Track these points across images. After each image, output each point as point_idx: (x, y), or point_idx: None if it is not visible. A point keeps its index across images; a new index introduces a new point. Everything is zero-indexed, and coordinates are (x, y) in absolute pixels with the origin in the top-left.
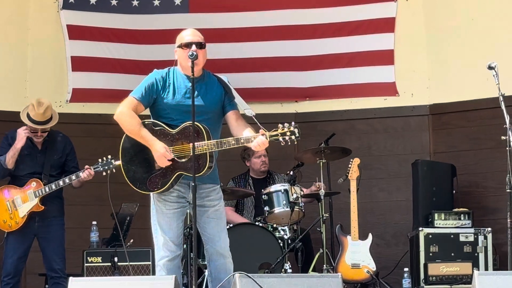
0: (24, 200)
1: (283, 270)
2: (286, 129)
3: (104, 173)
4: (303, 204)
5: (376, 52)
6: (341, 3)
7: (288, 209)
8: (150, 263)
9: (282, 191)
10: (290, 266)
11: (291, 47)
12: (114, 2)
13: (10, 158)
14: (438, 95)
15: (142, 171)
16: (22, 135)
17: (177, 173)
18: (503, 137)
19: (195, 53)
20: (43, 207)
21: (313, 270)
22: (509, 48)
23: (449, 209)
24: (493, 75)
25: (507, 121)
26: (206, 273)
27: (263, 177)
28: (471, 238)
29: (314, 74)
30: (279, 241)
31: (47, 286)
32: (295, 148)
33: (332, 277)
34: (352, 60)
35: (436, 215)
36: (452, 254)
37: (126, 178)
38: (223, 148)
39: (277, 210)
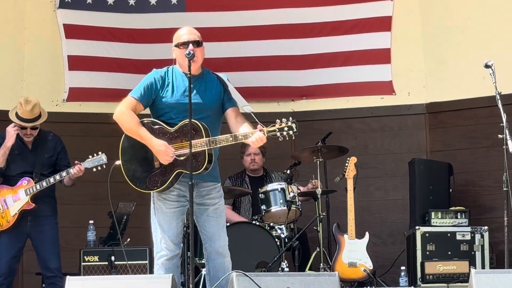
0: (15, 199)
1: (280, 269)
2: (284, 124)
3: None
4: (300, 203)
5: (373, 50)
6: (338, 2)
7: (285, 207)
8: (147, 262)
9: (279, 189)
10: (287, 265)
11: (288, 46)
12: (110, 1)
13: (0, 157)
14: (434, 93)
15: (141, 170)
16: (11, 133)
17: (176, 171)
18: (500, 136)
19: (192, 52)
20: (33, 204)
21: (310, 269)
22: (505, 46)
23: (446, 207)
24: (490, 74)
25: (504, 119)
26: (204, 271)
27: (259, 176)
28: (468, 237)
29: (311, 73)
30: (276, 240)
31: (43, 285)
32: (292, 146)
33: (329, 276)
34: (348, 58)
35: (432, 213)
36: (449, 252)
37: (126, 177)
38: (221, 145)
39: (274, 208)
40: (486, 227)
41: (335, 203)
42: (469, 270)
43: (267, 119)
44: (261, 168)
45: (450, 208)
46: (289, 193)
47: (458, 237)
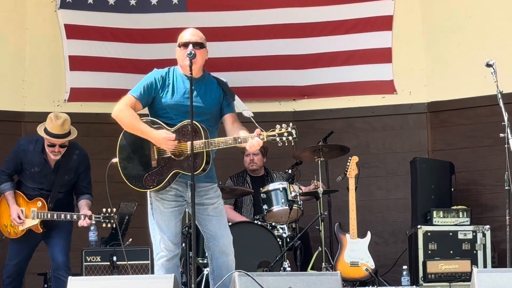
0: (27, 215)
1: (282, 268)
2: (283, 130)
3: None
4: (301, 202)
5: (374, 50)
6: (339, 1)
7: (287, 207)
8: (149, 262)
9: (281, 189)
10: (289, 264)
11: (289, 46)
12: (111, 1)
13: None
14: (436, 93)
15: (138, 169)
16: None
17: (173, 172)
18: (501, 135)
19: (193, 51)
20: (41, 229)
21: (312, 268)
22: (506, 45)
23: (448, 206)
24: (491, 73)
25: (506, 118)
26: (207, 271)
27: (261, 175)
28: (470, 236)
29: (312, 72)
30: (278, 239)
31: (45, 285)
32: (293, 146)
33: (331, 275)
34: (350, 58)
35: (434, 212)
36: (451, 251)
37: (122, 175)
38: (220, 147)
39: (275, 208)
40: (488, 226)
41: (337, 203)
42: (471, 269)
43: (268, 118)
44: (262, 168)
45: (452, 207)
46: (290, 193)
47: (460, 236)
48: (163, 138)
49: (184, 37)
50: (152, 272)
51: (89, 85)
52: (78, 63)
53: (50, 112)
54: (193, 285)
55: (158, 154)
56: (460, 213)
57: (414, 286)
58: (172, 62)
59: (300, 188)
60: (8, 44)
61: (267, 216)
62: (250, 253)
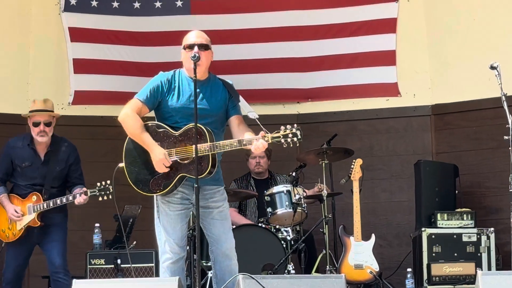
0: (24, 212)
1: (286, 271)
2: (288, 131)
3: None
4: (305, 205)
5: (378, 52)
6: (343, 4)
7: (291, 210)
8: (153, 265)
9: (285, 192)
10: (293, 267)
11: (293, 48)
12: (115, 4)
13: None
14: (440, 95)
15: (145, 173)
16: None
17: (179, 175)
18: (505, 137)
19: (197, 54)
20: (39, 223)
21: (316, 271)
22: (511, 47)
23: (452, 209)
24: (495, 75)
25: (510, 120)
26: (211, 274)
27: (265, 178)
28: (474, 238)
29: (316, 75)
30: (282, 242)
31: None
32: (297, 149)
33: (336, 278)
34: (354, 61)
35: (438, 215)
36: (455, 254)
37: (128, 180)
38: (225, 149)
39: (279, 211)
40: (492, 229)
41: (341, 205)
42: (476, 271)
43: (272, 121)
44: (266, 171)
45: (456, 210)
46: (294, 195)
47: (464, 238)
48: (159, 160)
49: (189, 39)
50: (157, 275)
51: (93, 88)
52: (82, 66)
53: None
54: None
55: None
56: (464, 215)
57: None
58: (176, 65)
59: (304, 191)
60: (12, 47)
61: (271, 219)
62: (254, 256)
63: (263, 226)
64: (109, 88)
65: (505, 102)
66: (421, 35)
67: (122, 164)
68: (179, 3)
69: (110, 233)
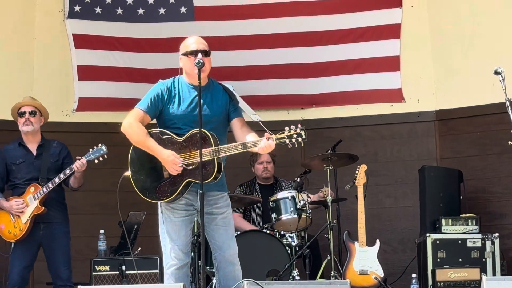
0: (26, 205)
1: (291, 277)
2: (292, 132)
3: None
4: (310, 210)
5: (382, 58)
6: (347, 9)
7: (296, 216)
8: (158, 271)
9: (289, 198)
10: (298, 273)
11: (297, 54)
12: (119, 11)
13: None
14: (444, 100)
15: (151, 180)
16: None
17: (186, 181)
18: (510, 142)
19: (201, 60)
20: (43, 208)
21: (321, 277)
22: None
23: (456, 214)
24: (500, 80)
25: None
26: (215, 280)
27: (270, 184)
28: (479, 244)
29: (320, 81)
30: (287, 248)
31: None
32: (301, 154)
33: (341, 284)
34: (358, 66)
35: (443, 220)
36: (460, 259)
37: (135, 188)
38: (230, 153)
39: (284, 217)
40: (496, 234)
41: (346, 211)
42: (480, 277)
43: (276, 127)
44: (272, 176)
45: (461, 215)
46: (299, 201)
47: (469, 244)
48: (171, 161)
49: (190, 46)
50: (161, 281)
51: (97, 94)
52: (86, 72)
53: (58, 122)
54: None
55: None
56: (469, 221)
57: None
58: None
59: (308, 197)
60: (16, 54)
61: (276, 225)
62: (259, 262)
63: (268, 232)
64: (113, 95)
65: (509, 108)
66: (425, 41)
67: (127, 173)
68: (183, 10)
69: (115, 240)
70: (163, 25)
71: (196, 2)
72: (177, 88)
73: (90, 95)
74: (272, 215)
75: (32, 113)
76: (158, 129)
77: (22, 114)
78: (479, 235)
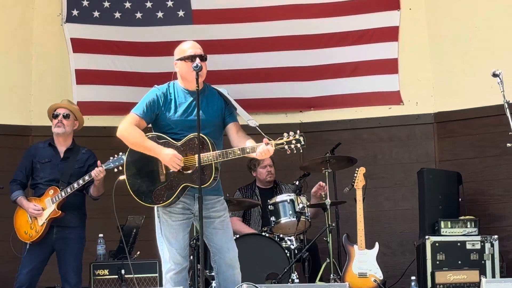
0: (43, 208)
1: (290, 280)
2: (291, 137)
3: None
4: (309, 214)
5: (380, 61)
6: (345, 12)
7: (294, 219)
8: (157, 275)
9: (288, 201)
10: (297, 276)
11: (295, 57)
12: (117, 15)
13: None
14: (442, 103)
15: (147, 184)
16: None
17: (182, 185)
18: (508, 144)
19: (200, 64)
20: (60, 212)
21: (320, 280)
22: None
23: (455, 217)
24: (498, 83)
25: None
26: (214, 284)
27: (269, 187)
28: (478, 246)
29: (319, 83)
30: (286, 251)
31: None
32: (300, 158)
33: (340, 287)
34: (356, 69)
35: (442, 223)
36: (459, 262)
37: (131, 192)
38: (229, 158)
39: (283, 220)
40: (496, 236)
41: (345, 214)
42: (480, 279)
43: (275, 130)
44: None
45: (460, 218)
46: (298, 204)
47: (468, 246)
48: (172, 156)
49: (187, 50)
50: (161, 285)
51: (96, 98)
52: (84, 76)
53: None
54: None
55: (166, 168)
56: (468, 223)
57: None
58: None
59: (307, 200)
60: (14, 59)
61: (275, 228)
62: (258, 265)
63: (267, 235)
64: (111, 99)
65: (507, 110)
66: (423, 43)
67: (122, 177)
68: (181, 13)
69: (114, 244)
70: (161, 29)
71: (194, 5)
72: (173, 94)
73: (88, 99)
74: (271, 218)
75: (66, 116)
76: (155, 133)
77: (56, 116)
78: (478, 237)
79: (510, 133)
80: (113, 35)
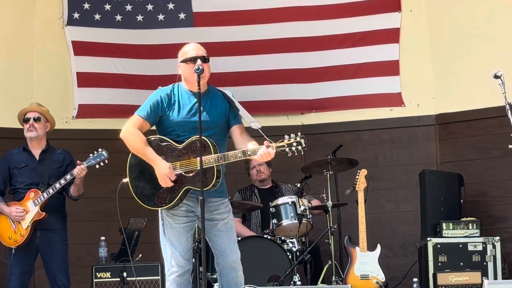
0: (26, 211)
1: (292, 282)
2: (292, 140)
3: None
4: (311, 216)
5: (382, 62)
6: (346, 14)
7: (296, 221)
8: (159, 277)
9: (290, 203)
10: (299, 278)
11: (296, 59)
12: (118, 18)
13: None
14: (444, 104)
15: (150, 187)
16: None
17: (185, 188)
18: (510, 146)
19: (201, 67)
20: (44, 213)
21: (322, 282)
22: None
23: (457, 218)
24: (499, 84)
25: None
26: (217, 286)
27: (268, 188)
28: (480, 247)
29: (320, 86)
30: (288, 253)
31: None
32: (302, 160)
33: None
34: (357, 71)
35: (444, 224)
36: (461, 263)
37: (134, 195)
38: (230, 161)
39: (285, 222)
40: (497, 238)
41: (346, 216)
42: (482, 280)
43: (276, 132)
44: (269, 179)
45: (462, 219)
46: (299, 207)
47: (470, 248)
48: (164, 174)
49: (189, 52)
50: None
51: (97, 101)
52: (86, 79)
53: (58, 129)
54: None
55: None
56: (470, 224)
57: None
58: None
59: (309, 202)
60: (16, 62)
61: (277, 230)
62: (260, 268)
63: (269, 237)
64: (113, 102)
65: (509, 111)
66: (424, 45)
67: (126, 180)
68: (182, 16)
69: (116, 246)
70: (162, 31)
71: (195, 8)
72: (177, 95)
73: (89, 102)
74: (273, 221)
75: (37, 119)
76: (158, 136)
77: (26, 120)
78: (480, 239)
79: (511, 134)
80: (114, 38)
